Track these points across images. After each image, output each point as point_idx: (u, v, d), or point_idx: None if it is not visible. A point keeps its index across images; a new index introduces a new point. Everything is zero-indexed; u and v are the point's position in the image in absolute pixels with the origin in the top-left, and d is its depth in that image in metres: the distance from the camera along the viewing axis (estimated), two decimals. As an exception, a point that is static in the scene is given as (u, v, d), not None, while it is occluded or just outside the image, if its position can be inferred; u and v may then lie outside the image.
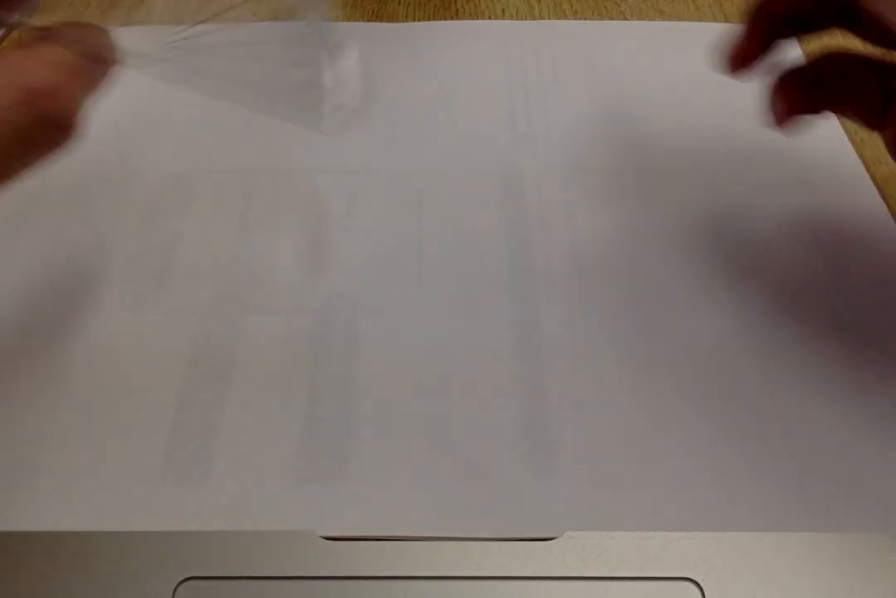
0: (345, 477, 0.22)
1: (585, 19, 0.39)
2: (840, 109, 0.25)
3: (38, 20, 0.40)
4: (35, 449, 0.23)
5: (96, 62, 0.22)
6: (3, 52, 0.21)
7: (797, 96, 0.24)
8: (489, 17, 0.40)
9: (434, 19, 0.40)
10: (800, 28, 0.25)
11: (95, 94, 0.22)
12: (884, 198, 0.30)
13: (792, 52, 0.26)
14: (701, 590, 0.20)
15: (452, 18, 0.40)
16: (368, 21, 0.40)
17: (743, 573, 0.20)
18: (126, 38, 0.23)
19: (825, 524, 0.21)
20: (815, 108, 0.25)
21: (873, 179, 0.31)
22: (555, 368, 0.25)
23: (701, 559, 0.20)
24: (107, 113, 0.34)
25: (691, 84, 0.35)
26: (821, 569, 0.20)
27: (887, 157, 0.24)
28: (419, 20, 0.40)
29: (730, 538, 0.21)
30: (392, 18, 0.40)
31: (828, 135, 0.32)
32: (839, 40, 0.25)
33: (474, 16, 0.40)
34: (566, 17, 0.40)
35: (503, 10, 0.40)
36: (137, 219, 0.30)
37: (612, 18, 0.39)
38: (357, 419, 0.24)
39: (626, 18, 0.39)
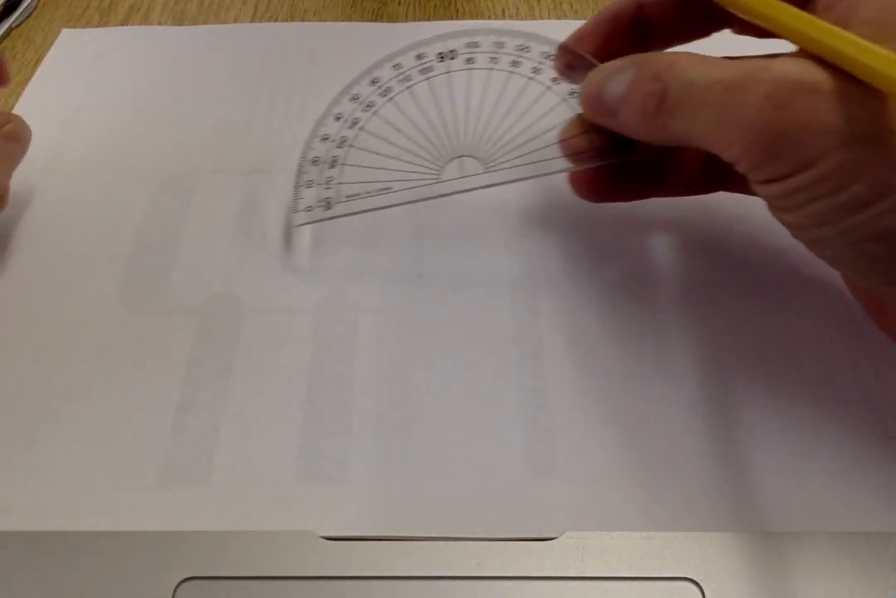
0: (344, 477, 0.22)
1: (585, 19, 0.39)
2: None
3: (37, 21, 0.40)
4: (35, 449, 0.23)
5: (15, 142, 0.29)
6: None
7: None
8: (489, 18, 0.40)
9: (434, 19, 0.40)
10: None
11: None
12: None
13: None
14: (701, 590, 0.20)
15: (452, 18, 0.40)
16: (368, 21, 0.40)
17: (743, 573, 0.20)
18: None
19: (825, 524, 0.21)
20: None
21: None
22: (555, 367, 0.25)
23: (701, 559, 0.20)
24: (106, 113, 0.34)
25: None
26: (821, 569, 0.20)
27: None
28: (419, 20, 0.40)
29: (730, 538, 0.21)
30: (392, 18, 0.40)
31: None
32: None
33: (474, 16, 0.40)
34: (566, 18, 0.40)
35: (503, 10, 0.40)
36: (137, 219, 0.30)
37: (612, 18, 0.39)
38: (357, 419, 0.24)
39: (626, 18, 0.39)
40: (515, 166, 0.26)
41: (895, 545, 0.21)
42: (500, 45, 0.27)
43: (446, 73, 0.27)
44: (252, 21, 0.40)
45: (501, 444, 0.23)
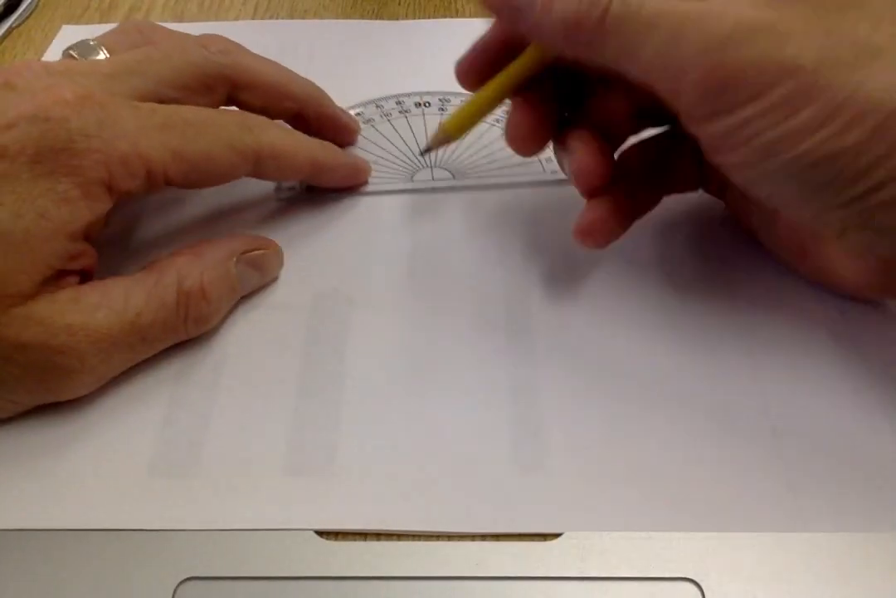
0: (333, 471, 0.22)
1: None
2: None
3: (37, 21, 0.40)
4: (32, 446, 0.23)
5: (255, 269, 0.26)
6: (173, 258, 0.25)
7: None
8: (489, 17, 0.40)
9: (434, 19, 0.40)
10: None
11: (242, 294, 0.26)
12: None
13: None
14: (701, 590, 0.20)
15: (452, 18, 0.40)
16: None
17: (743, 573, 0.20)
18: None
19: (825, 524, 0.21)
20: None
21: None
22: (547, 364, 0.25)
23: (701, 559, 0.20)
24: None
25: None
26: (821, 569, 0.20)
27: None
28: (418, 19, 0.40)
29: (730, 538, 0.21)
30: (392, 18, 0.40)
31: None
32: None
33: (474, 15, 0.40)
34: (566, 17, 0.40)
35: (503, 10, 0.40)
36: (133, 214, 0.30)
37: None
38: (346, 414, 0.24)
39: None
40: (481, 177, 0.30)
41: (895, 545, 0.21)
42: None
43: (422, 115, 0.33)
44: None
45: (495, 441, 0.23)
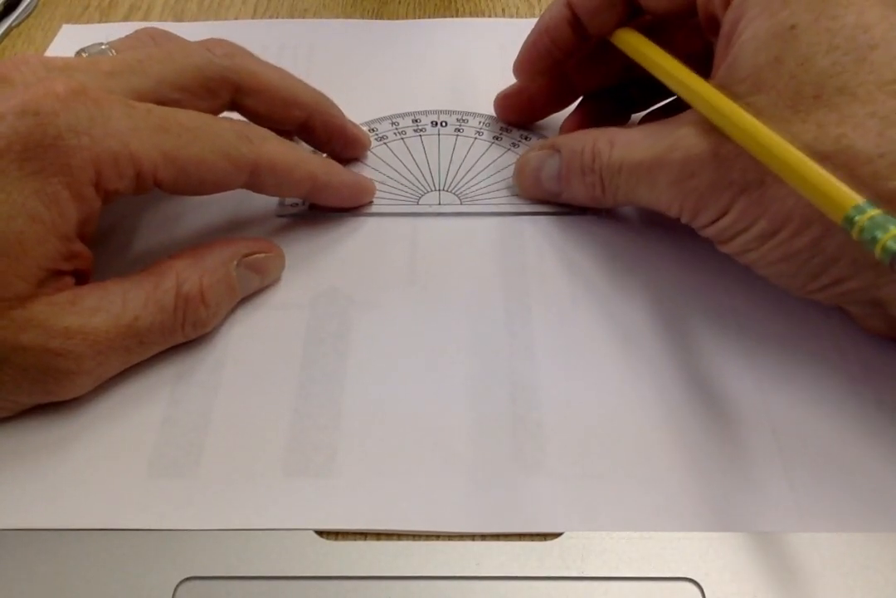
0: (333, 471, 0.22)
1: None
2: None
3: (37, 20, 0.40)
4: (32, 446, 0.23)
5: (256, 273, 0.26)
6: (173, 262, 0.24)
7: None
8: (489, 16, 0.40)
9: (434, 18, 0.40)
10: None
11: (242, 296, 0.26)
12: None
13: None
14: (701, 590, 0.20)
15: (452, 17, 0.40)
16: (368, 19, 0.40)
17: (743, 573, 0.20)
18: None
19: (825, 524, 0.21)
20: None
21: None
22: (549, 364, 0.25)
23: (701, 559, 0.20)
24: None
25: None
26: (821, 569, 0.20)
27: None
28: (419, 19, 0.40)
29: (730, 538, 0.21)
30: (392, 18, 0.40)
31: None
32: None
33: (474, 15, 0.40)
34: (566, 16, 0.39)
35: (503, 9, 0.40)
36: (131, 213, 0.30)
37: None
38: (347, 414, 0.24)
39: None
40: (488, 204, 0.30)
41: (895, 545, 0.21)
42: (487, 124, 0.33)
43: (437, 134, 0.33)
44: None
45: (491, 439, 0.23)
